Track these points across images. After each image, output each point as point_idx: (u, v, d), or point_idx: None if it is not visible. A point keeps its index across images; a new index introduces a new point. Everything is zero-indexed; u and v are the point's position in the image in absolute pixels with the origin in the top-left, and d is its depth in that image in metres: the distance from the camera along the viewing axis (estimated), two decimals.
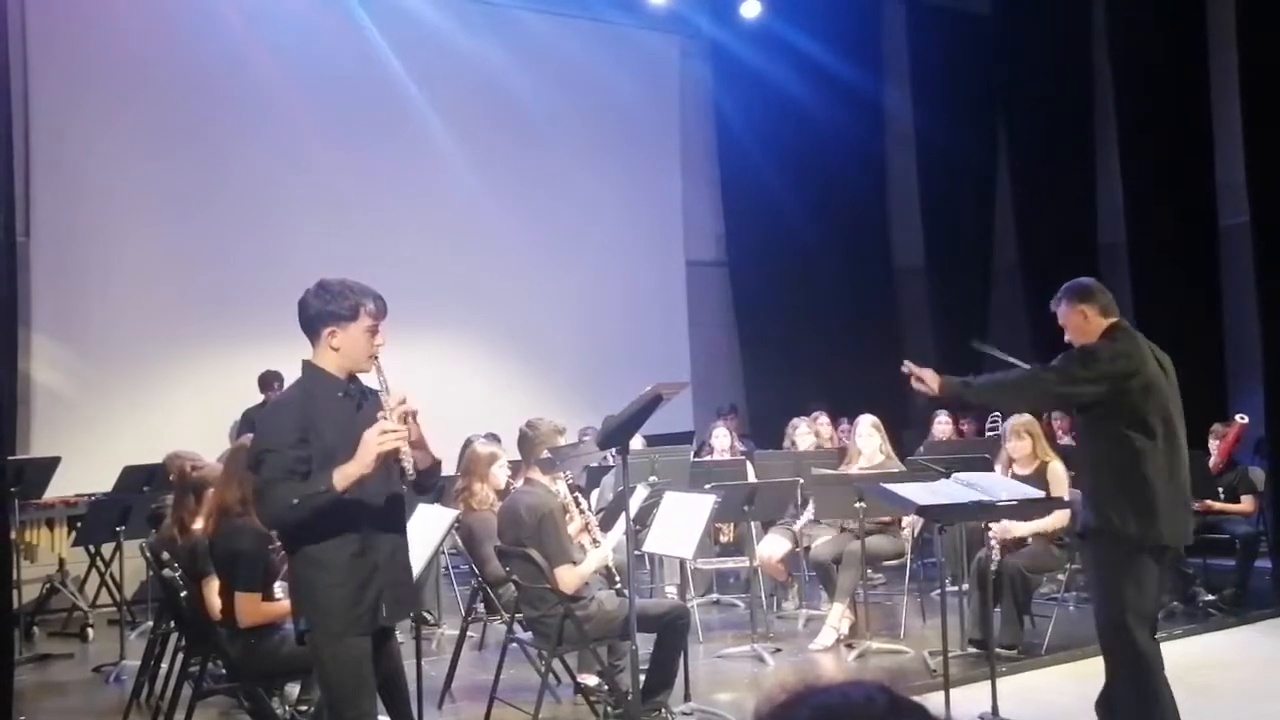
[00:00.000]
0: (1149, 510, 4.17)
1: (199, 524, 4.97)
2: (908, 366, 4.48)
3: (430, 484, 3.69)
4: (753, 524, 7.12)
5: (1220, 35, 9.68)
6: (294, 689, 5.24)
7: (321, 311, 3.44)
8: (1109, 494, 4.23)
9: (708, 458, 8.43)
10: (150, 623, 6.50)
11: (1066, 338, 4.45)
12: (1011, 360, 4.79)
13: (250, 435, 5.07)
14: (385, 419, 3.32)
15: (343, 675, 3.40)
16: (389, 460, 3.34)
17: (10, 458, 7.76)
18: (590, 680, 5.50)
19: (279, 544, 4.84)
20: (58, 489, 7.73)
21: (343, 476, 3.26)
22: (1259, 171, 8.96)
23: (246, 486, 4.58)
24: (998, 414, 9.73)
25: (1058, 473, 6.24)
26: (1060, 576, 6.93)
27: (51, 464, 7.47)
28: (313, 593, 3.40)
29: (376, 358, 3.49)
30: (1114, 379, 4.22)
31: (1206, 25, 9.91)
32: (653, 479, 6.55)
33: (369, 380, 3.56)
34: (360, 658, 3.42)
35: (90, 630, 7.67)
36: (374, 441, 3.26)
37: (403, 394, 3.40)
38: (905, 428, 10.63)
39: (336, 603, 3.37)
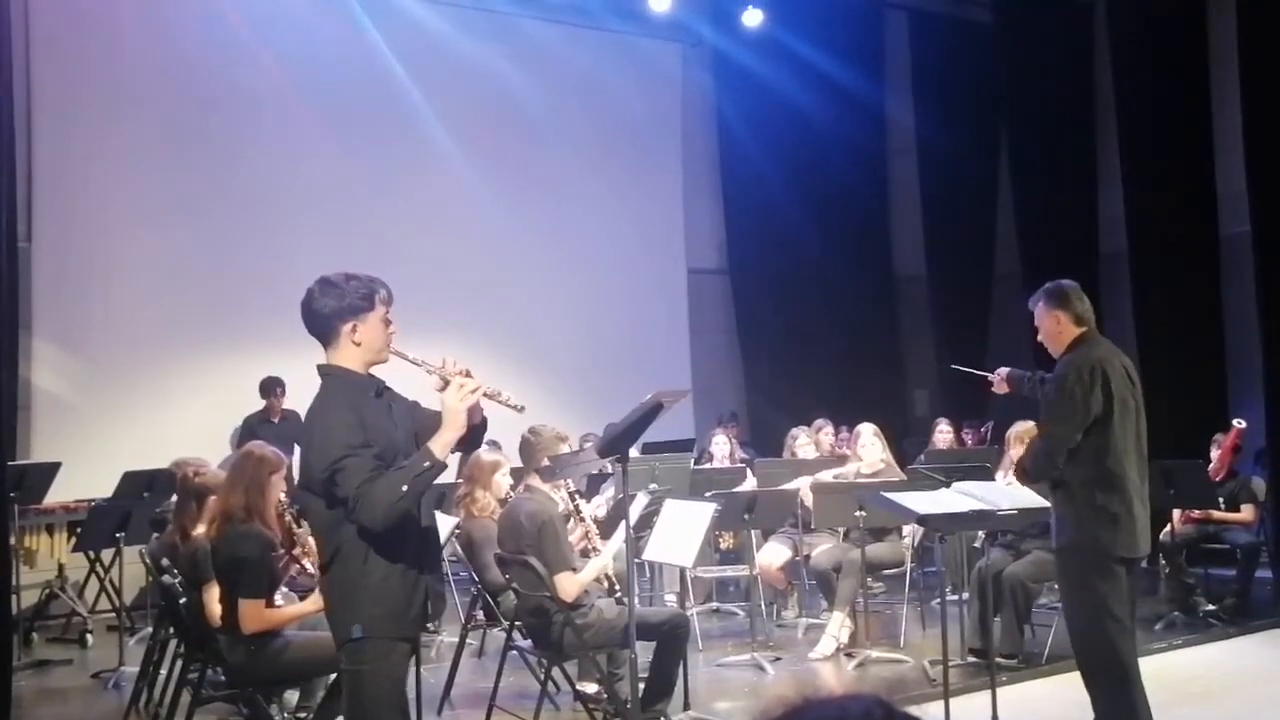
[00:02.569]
0: (1118, 523, 4.29)
1: (200, 530, 4.97)
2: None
3: (480, 437, 3.63)
4: (752, 532, 7.11)
5: (1221, 44, 9.70)
6: (293, 696, 5.23)
7: (338, 308, 3.32)
8: (1080, 508, 4.34)
9: (707, 465, 8.43)
10: (149, 629, 6.49)
11: (1039, 336, 4.61)
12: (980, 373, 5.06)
13: (260, 442, 5.08)
14: (447, 380, 3.31)
15: (379, 690, 3.29)
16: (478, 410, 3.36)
17: (10, 463, 7.77)
18: (590, 688, 5.49)
19: (282, 550, 4.87)
20: (58, 494, 7.72)
21: (441, 446, 3.23)
22: (1260, 180, 8.97)
23: (251, 493, 4.59)
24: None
25: None
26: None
27: (52, 469, 7.47)
28: (366, 597, 3.27)
29: (391, 346, 3.40)
30: (1091, 405, 4.32)
31: (1208, 34, 9.92)
32: (653, 486, 6.55)
33: (380, 371, 3.49)
34: (402, 675, 3.35)
35: (89, 636, 7.65)
36: (456, 400, 3.25)
37: (441, 357, 3.36)
38: (906, 436, 10.63)
39: (393, 605, 3.27)
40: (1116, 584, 4.32)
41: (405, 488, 3.17)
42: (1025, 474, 4.70)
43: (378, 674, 3.28)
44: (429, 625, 6.79)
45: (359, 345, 3.34)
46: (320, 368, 3.42)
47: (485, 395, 3.35)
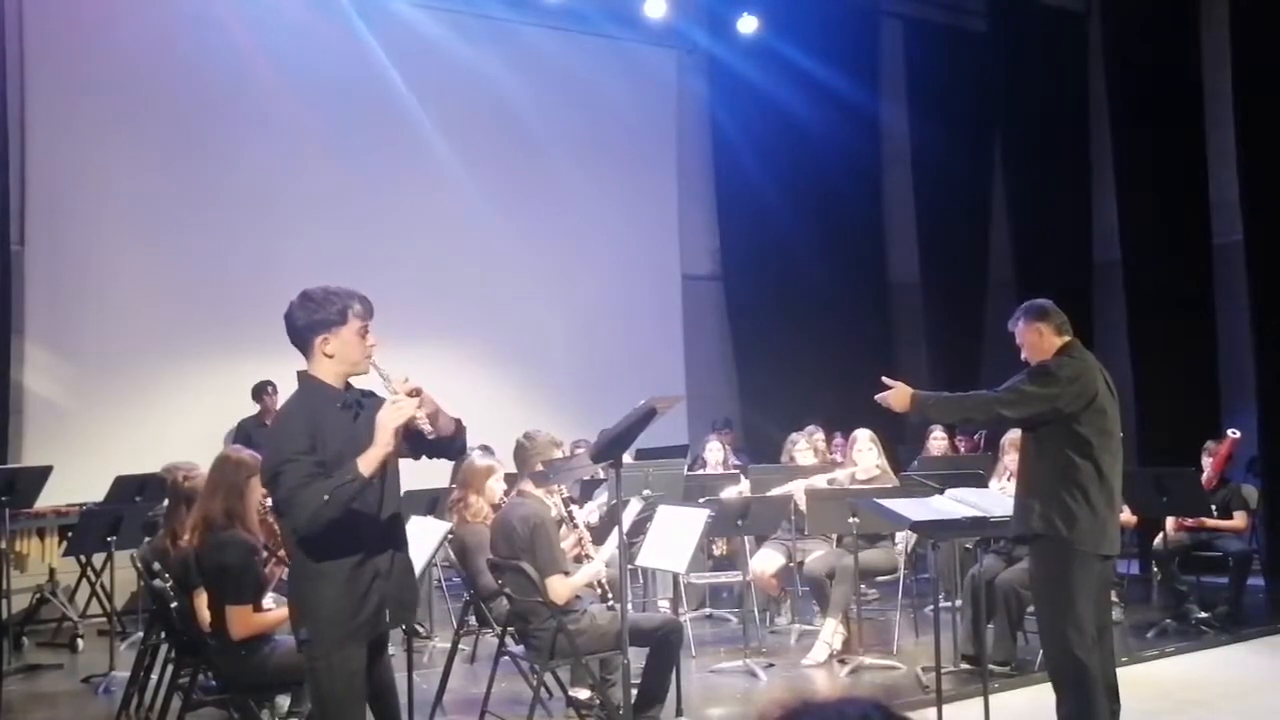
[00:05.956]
0: (1077, 519, 4.40)
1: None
2: (887, 381, 4.69)
3: (460, 445, 3.70)
4: (746, 538, 7.10)
5: (1215, 54, 9.73)
6: (284, 700, 5.21)
7: (310, 321, 3.45)
8: (1057, 504, 4.43)
9: (701, 471, 8.42)
10: (140, 634, 6.47)
11: (1023, 356, 4.72)
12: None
13: (237, 446, 5.06)
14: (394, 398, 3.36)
15: (335, 685, 3.40)
16: (409, 430, 3.38)
17: (1, 466, 7.75)
18: (582, 694, 5.48)
19: (267, 554, 4.85)
20: (49, 498, 7.67)
21: (367, 462, 3.29)
22: (1252, 190, 9.01)
23: (231, 498, 4.56)
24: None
25: None
26: None
27: (43, 473, 7.42)
28: (314, 604, 3.41)
29: (371, 358, 3.50)
30: (1070, 394, 4.45)
31: (1201, 44, 9.96)
32: (646, 493, 6.54)
33: (366, 381, 3.56)
34: (355, 670, 3.43)
35: (80, 641, 7.62)
36: (388, 417, 3.32)
37: (404, 374, 3.43)
38: (900, 442, 10.62)
39: (338, 612, 3.39)
40: (1086, 579, 4.40)
41: (327, 497, 3.27)
42: (962, 405, 4.76)
43: (329, 671, 3.39)
44: (420, 630, 6.84)
45: (331, 357, 3.47)
46: (298, 374, 3.55)
47: (412, 416, 3.35)
